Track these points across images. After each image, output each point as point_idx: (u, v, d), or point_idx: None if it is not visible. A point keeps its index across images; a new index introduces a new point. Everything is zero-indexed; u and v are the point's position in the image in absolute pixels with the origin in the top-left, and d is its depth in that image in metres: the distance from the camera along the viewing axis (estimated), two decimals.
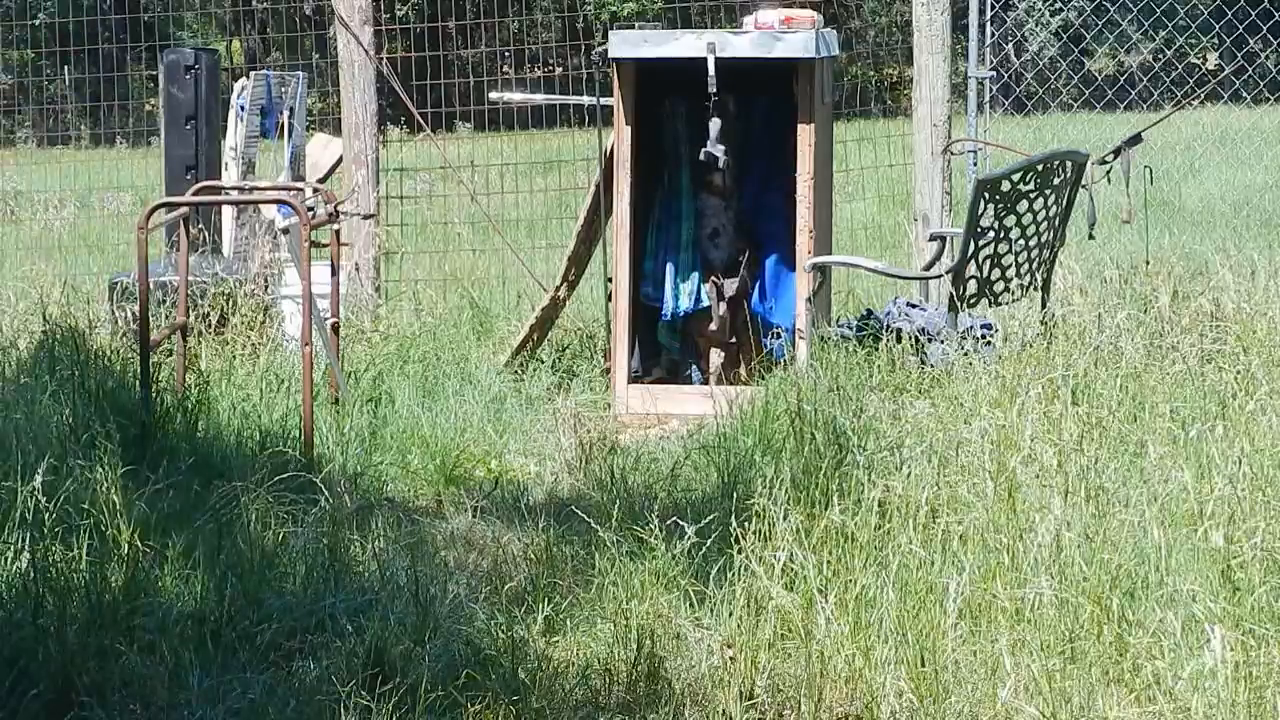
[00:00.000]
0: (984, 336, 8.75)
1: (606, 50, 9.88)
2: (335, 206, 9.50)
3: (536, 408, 9.26)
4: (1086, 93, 18.18)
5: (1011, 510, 5.75)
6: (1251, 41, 16.32)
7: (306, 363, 8.21)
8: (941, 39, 10.94)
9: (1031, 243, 8.85)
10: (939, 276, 9.47)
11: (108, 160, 17.90)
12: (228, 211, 11.49)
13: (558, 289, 10.36)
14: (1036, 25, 28.93)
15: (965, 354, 7.73)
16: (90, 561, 5.94)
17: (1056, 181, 8.87)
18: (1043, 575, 5.30)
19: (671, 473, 7.54)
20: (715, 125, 9.74)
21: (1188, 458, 6.05)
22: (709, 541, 5.96)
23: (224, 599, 5.93)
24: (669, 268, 9.96)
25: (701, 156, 9.78)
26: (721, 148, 9.74)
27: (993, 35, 12.39)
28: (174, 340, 8.81)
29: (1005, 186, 8.72)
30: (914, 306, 9.47)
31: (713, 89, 9.55)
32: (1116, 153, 9.95)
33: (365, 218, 11.46)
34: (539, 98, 14.01)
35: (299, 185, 10.21)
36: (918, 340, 8.76)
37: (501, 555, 6.78)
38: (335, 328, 9.26)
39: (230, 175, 11.70)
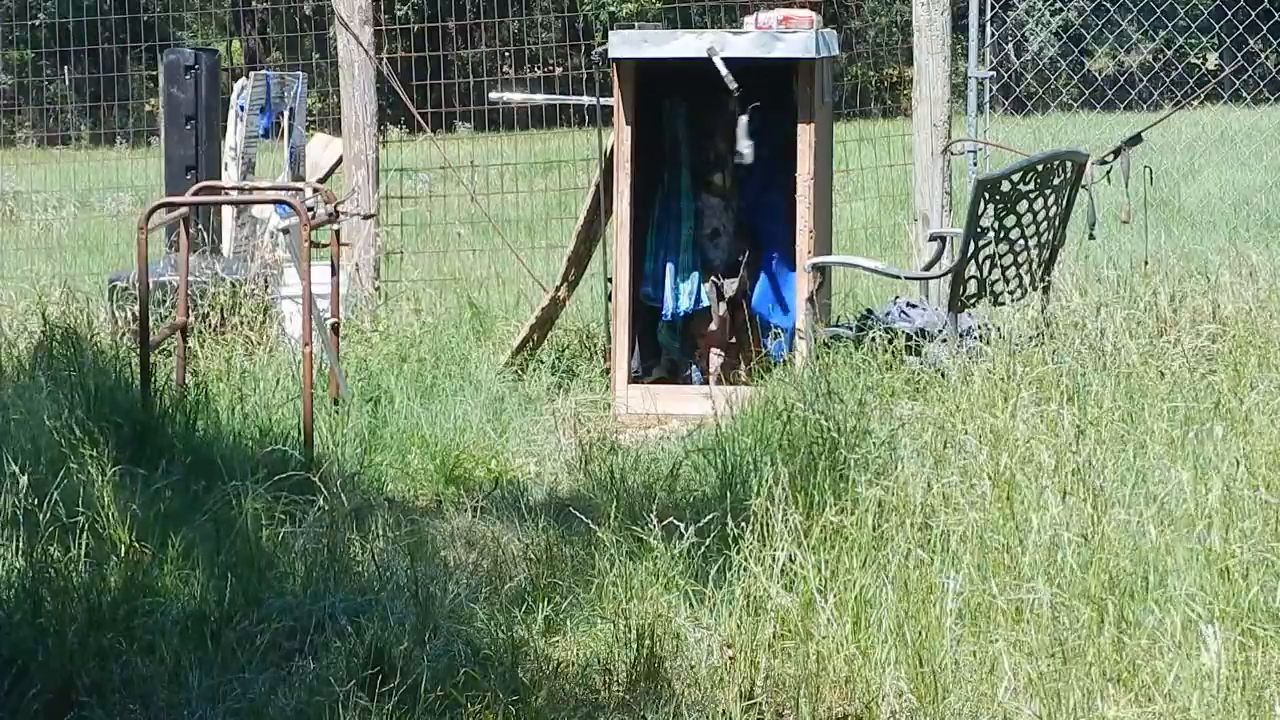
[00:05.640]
0: (982, 336, 8.75)
1: (606, 50, 9.88)
2: (335, 206, 9.50)
3: (536, 408, 9.26)
4: (1086, 93, 18.18)
5: (1009, 510, 5.75)
6: (1251, 41, 16.31)
7: (306, 363, 8.21)
8: (941, 39, 10.94)
9: (1031, 243, 8.85)
10: (939, 276, 9.47)
11: (108, 160, 17.90)
12: (228, 211, 11.49)
13: (558, 289, 10.36)
14: (1036, 25, 28.92)
15: (959, 354, 7.72)
16: (89, 561, 5.94)
17: (1056, 181, 8.87)
18: (1040, 576, 5.30)
19: (671, 473, 7.54)
20: (743, 122, 9.73)
21: (1186, 458, 6.05)
22: (708, 542, 5.97)
23: (223, 599, 5.93)
24: (669, 268, 9.96)
25: (736, 159, 9.79)
26: (749, 143, 9.75)
27: (993, 35, 12.38)
28: (174, 340, 8.82)
29: (1005, 186, 8.72)
30: (914, 306, 9.47)
31: (733, 85, 9.51)
32: (1116, 153, 9.96)
33: (365, 218, 11.45)
34: (539, 98, 14.00)
35: (299, 185, 10.21)
36: (917, 341, 8.76)
37: (501, 555, 6.78)
38: (335, 328, 9.26)
39: (230, 175, 11.70)
